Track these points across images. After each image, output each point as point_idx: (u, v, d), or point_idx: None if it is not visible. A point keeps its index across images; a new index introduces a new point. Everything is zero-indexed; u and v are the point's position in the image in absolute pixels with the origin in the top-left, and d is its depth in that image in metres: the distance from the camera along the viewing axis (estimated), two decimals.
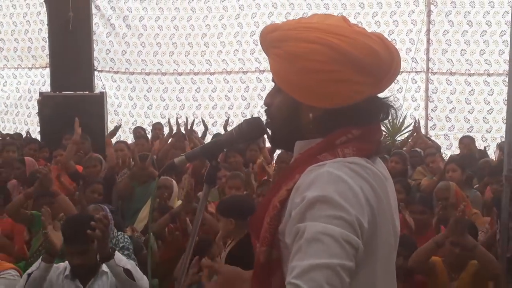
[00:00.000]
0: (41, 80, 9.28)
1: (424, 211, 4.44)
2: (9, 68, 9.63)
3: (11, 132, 8.81)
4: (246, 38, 8.80)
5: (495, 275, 3.91)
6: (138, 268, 3.32)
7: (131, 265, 3.27)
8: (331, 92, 1.25)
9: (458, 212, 3.83)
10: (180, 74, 9.19)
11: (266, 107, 1.42)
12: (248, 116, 7.67)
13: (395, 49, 1.32)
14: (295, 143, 1.36)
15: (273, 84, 1.39)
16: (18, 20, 9.39)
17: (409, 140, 7.62)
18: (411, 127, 7.84)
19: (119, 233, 4.37)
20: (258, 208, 1.43)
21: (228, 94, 9.09)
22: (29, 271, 3.27)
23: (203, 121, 8.25)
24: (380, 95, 1.39)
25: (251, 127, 1.46)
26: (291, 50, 1.27)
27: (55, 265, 3.29)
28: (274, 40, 1.33)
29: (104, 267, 3.24)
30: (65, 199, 4.71)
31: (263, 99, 1.54)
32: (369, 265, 1.22)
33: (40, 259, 3.26)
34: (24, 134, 8.89)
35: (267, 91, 1.67)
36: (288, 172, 1.34)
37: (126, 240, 4.29)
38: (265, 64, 8.39)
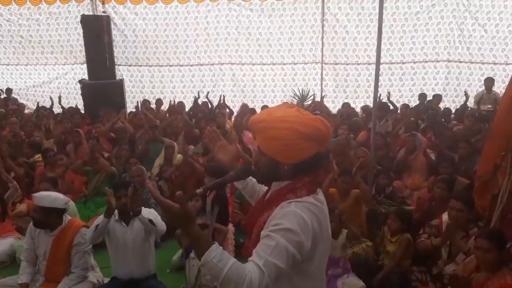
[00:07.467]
0: (80, 72, 11.04)
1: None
2: (58, 64, 11.49)
3: (66, 107, 9.70)
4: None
5: (367, 199, 4.67)
6: (159, 216, 3.64)
7: (153, 215, 3.64)
8: (294, 154, 1.68)
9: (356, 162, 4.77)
10: (171, 66, 11.05)
11: (255, 162, 1.85)
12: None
13: (329, 124, 1.74)
14: (272, 182, 1.80)
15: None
16: (65, 30, 11.01)
17: (311, 104, 9.61)
18: (312, 97, 10.48)
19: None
20: (248, 218, 1.85)
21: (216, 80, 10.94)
22: (96, 223, 3.59)
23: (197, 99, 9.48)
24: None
25: (243, 172, 1.94)
26: (272, 134, 1.68)
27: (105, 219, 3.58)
28: (260, 129, 1.74)
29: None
30: (104, 161, 5.76)
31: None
32: (309, 260, 1.65)
33: (103, 215, 3.61)
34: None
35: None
36: (267, 203, 1.75)
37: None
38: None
